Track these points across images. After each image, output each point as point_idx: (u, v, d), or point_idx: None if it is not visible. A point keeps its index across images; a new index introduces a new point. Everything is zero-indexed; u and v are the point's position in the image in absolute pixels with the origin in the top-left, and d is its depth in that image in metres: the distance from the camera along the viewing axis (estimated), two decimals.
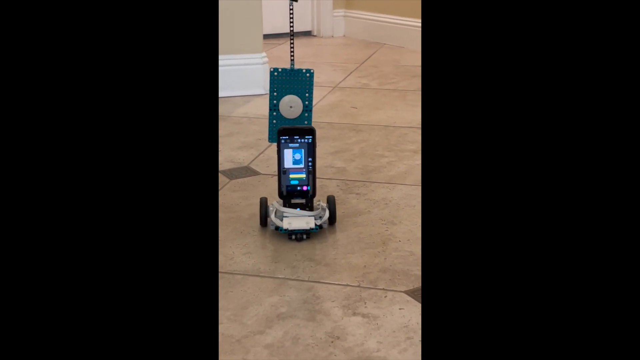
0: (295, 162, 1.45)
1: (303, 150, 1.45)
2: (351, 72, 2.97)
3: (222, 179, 1.75)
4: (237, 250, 1.38)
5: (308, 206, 1.46)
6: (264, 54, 2.60)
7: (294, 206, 1.45)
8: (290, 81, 1.47)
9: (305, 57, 3.26)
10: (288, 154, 1.45)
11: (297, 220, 1.43)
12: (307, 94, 1.47)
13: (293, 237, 1.43)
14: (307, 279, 1.28)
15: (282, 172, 1.45)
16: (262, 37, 2.59)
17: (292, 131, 1.44)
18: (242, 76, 2.53)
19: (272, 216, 1.45)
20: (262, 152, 1.94)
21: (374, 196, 1.64)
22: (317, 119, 2.26)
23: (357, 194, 1.66)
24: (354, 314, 1.16)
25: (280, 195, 1.46)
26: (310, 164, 1.45)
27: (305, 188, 1.45)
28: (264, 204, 1.48)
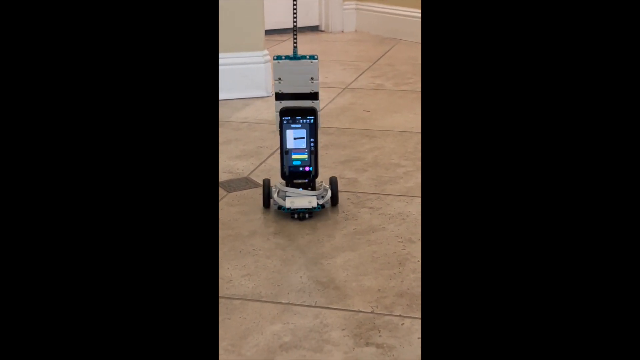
0: (297, 142, 1.60)
1: (305, 130, 1.60)
2: (363, 72, 2.97)
3: (219, 191, 1.74)
4: (236, 272, 1.38)
5: (310, 186, 1.61)
6: (265, 51, 2.60)
7: (297, 186, 1.62)
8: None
9: (312, 53, 3.26)
10: (290, 134, 1.60)
11: (300, 199, 1.59)
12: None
13: (295, 216, 1.59)
14: (314, 304, 1.27)
15: (284, 152, 1.61)
16: (263, 32, 2.60)
17: (294, 111, 1.59)
18: (241, 76, 2.53)
19: (275, 196, 1.61)
20: (263, 162, 1.94)
21: (389, 210, 1.64)
22: (326, 124, 2.26)
23: (370, 208, 1.65)
24: (367, 344, 1.16)
25: (283, 175, 1.62)
26: (312, 144, 1.61)
27: (307, 169, 1.62)
28: (267, 185, 1.64)
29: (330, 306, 1.26)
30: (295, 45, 1.62)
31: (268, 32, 3.67)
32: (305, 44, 3.52)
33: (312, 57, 1.61)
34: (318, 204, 1.60)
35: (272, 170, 1.87)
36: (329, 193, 1.63)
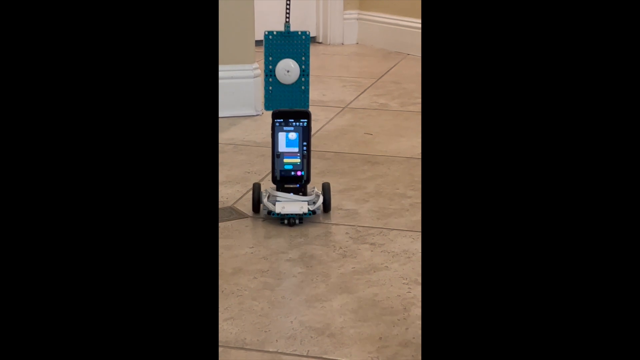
0: (290, 146, 1.73)
1: (298, 134, 1.73)
2: (366, 89, 2.98)
3: None
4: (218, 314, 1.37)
5: (302, 191, 1.74)
6: (255, 64, 2.61)
7: (288, 191, 1.74)
8: (285, 45, 1.71)
9: None
10: (282, 137, 1.73)
11: (291, 204, 1.71)
12: (303, 58, 1.71)
13: (285, 221, 1.72)
14: (305, 354, 1.26)
15: (275, 156, 1.73)
16: (254, 43, 2.60)
17: (286, 114, 1.72)
18: (228, 92, 2.54)
19: (265, 200, 1.73)
20: (250, 189, 1.94)
21: (393, 247, 1.64)
22: (323, 148, 2.26)
23: (371, 244, 1.65)
24: None
25: (274, 180, 1.74)
26: (305, 148, 1.73)
27: (299, 173, 1.74)
28: (257, 189, 1.76)
29: (324, 356, 1.26)
30: (287, 20, 1.73)
31: (259, 43, 3.68)
32: None
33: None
34: (309, 210, 1.71)
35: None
36: (321, 199, 1.75)
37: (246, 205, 1.84)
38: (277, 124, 1.72)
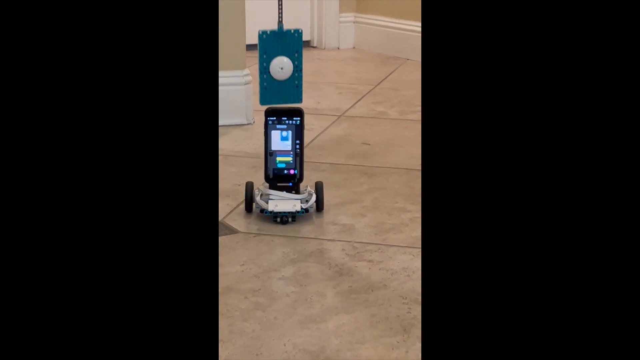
0: (283, 144, 1.82)
1: (291, 132, 1.82)
2: (363, 97, 2.97)
3: None
4: None
5: (295, 190, 1.83)
6: (246, 70, 2.59)
7: (280, 189, 1.82)
8: (278, 43, 1.81)
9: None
10: (275, 135, 1.82)
11: (283, 202, 1.80)
12: (296, 54, 1.81)
13: (278, 219, 1.79)
14: None
15: (268, 154, 1.82)
16: (244, 48, 2.59)
17: (279, 112, 1.81)
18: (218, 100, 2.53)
19: (258, 199, 1.81)
20: (241, 203, 1.92)
21: (391, 265, 1.62)
22: (317, 159, 2.24)
23: (369, 261, 1.63)
24: None
25: (267, 178, 1.83)
26: (297, 146, 1.82)
27: (292, 171, 1.83)
28: (249, 188, 1.84)
29: None
30: (280, 19, 1.83)
31: (250, 47, 3.67)
32: None
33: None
34: (302, 208, 1.80)
35: (253, 214, 1.85)
36: (314, 197, 1.83)
37: (237, 220, 1.82)
38: (270, 122, 1.81)
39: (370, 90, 3.07)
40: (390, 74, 3.36)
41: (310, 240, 1.72)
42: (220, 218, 1.84)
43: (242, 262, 1.63)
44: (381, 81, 3.23)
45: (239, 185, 2.04)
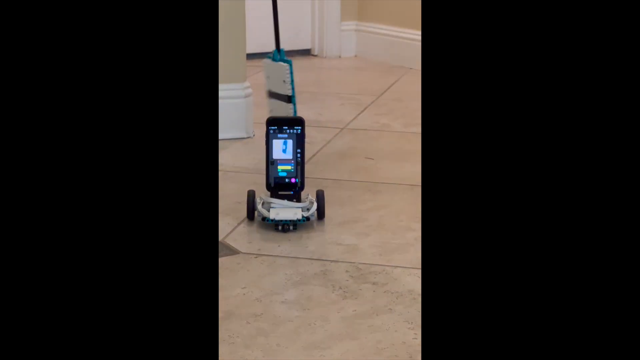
0: (284, 153, 1.89)
1: (292, 140, 1.89)
2: (366, 108, 2.97)
3: None
4: None
5: (296, 198, 1.89)
6: (246, 83, 2.59)
7: (282, 198, 1.89)
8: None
9: (302, 84, 3.25)
10: (277, 144, 1.89)
11: (285, 211, 1.86)
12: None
13: (280, 227, 1.85)
14: None
15: (270, 163, 1.89)
16: (245, 60, 2.59)
17: (280, 121, 1.89)
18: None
19: (259, 207, 1.87)
20: (242, 221, 1.92)
21: (397, 287, 1.62)
22: (319, 174, 2.24)
23: (373, 283, 1.63)
24: None
25: (268, 187, 1.90)
26: (299, 155, 1.89)
27: (293, 180, 1.90)
28: (251, 197, 1.90)
29: None
30: (277, 45, 1.98)
31: (249, 57, 3.66)
32: (295, 72, 3.51)
33: (285, 60, 1.95)
34: (303, 216, 1.86)
35: (254, 233, 1.85)
36: (315, 206, 1.89)
37: (238, 240, 1.82)
38: (271, 131, 1.88)
39: (374, 101, 3.07)
40: (394, 83, 3.36)
41: (313, 262, 1.72)
42: (220, 238, 1.83)
43: (244, 284, 1.62)
44: (384, 91, 3.22)
45: (240, 202, 2.03)
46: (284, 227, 1.85)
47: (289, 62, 1.94)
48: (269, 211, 1.86)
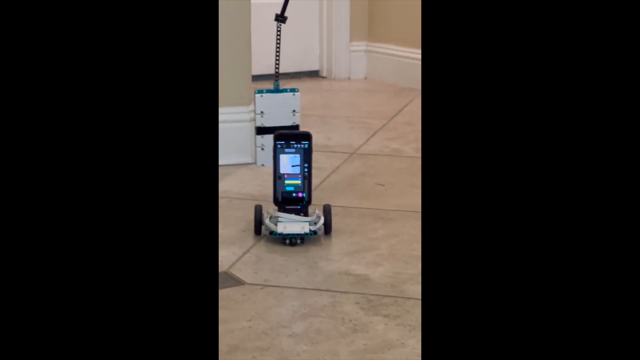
0: (291, 167, 1.97)
1: (299, 155, 1.97)
2: (376, 132, 2.97)
3: None
4: None
5: (303, 212, 1.97)
6: (252, 106, 2.58)
7: (289, 212, 1.96)
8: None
9: (310, 107, 3.26)
10: (284, 159, 1.97)
11: (292, 224, 1.93)
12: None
13: (287, 241, 1.93)
14: None
15: (277, 177, 1.97)
16: (250, 82, 2.59)
17: (288, 136, 1.97)
18: (222, 138, 2.51)
19: (267, 221, 1.95)
20: (248, 251, 1.91)
21: (409, 320, 1.60)
22: (328, 201, 2.23)
23: (385, 315, 1.62)
24: None
25: (275, 201, 1.98)
26: (306, 170, 1.98)
27: (300, 195, 1.98)
28: (258, 211, 1.98)
29: None
30: (277, 78, 2.07)
31: (255, 78, 3.67)
32: (302, 94, 3.51)
33: (292, 90, 2.06)
34: (310, 230, 1.93)
35: (261, 262, 1.85)
36: (322, 220, 1.96)
37: (243, 271, 1.81)
38: (279, 146, 1.97)
39: (384, 125, 3.06)
40: (405, 106, 3.36)
41: (321, 293, 1.71)
42: (225, 268, 1.82)
43: (249, 317, 1.61)
44: (395, 114, 3.22)
45: (245, 231, 2.03)
46: (292, 241, 1.92)
47: (297, 90, 2.08)
48: (276, 225, 1.93)
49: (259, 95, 2.04)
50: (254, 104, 2.01)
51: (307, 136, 1.98)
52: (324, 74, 3.95)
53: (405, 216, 2.15)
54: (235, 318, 1.61)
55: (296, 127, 2.04)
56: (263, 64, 3.65)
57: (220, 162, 2.52)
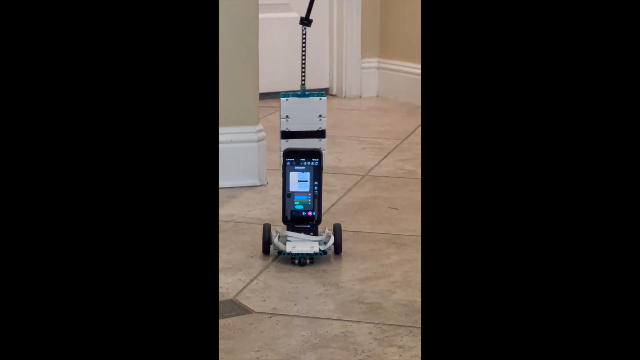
0: (301, 185, 2.00)
1: (309, 173, 2.00)
2: (389, 153, 2.97)
3: None
4: None
5: (313, 231, 2.00)
6: (259, 126, 2.60)
7: (299, 231, 1.99)
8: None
9: None
10: (293, 176, 2.00)
11: (301, 244, 1.97)
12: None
13: (296, 261, 1.96)
14: None
15: (287, 195, 2.00)
16: (257, 102, 2.60)
17: (298, 153, 2.00)
18: (227, 159, 2.53)
19: (275, 240, 1.98)
20: (255, 277, 1.92)
21: None
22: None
23: (399, 347, 1.63)
24: None
25: (285, 220, 2.01)
26: (316, 188, 2.00)
27: (310, 213, 2.01)
28: (267, 230, 2.01)
29: None
30: (303, 82, 2.09)
31: (262, 96, 3.68)
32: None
33: (320, 94, 2.08)
34: (320, 250, 1.96)
35: (268, 290, 1.85)
36: (332, 240, 2.00)
37: (250, 299, 1.82)
38: (288, 163, 2.00)
39: (397, 146, 3.07)
40: (419, 126, 3.37)
41: (332, 322, 1.72)
42: (231, 296, 1.83)
43: (257, 347, 1.62)
44: (409, 135, 3.23)
45: (252, 257, 2.04)
46: (301, 260, 1.96)
47: (324, 95, 2.10)
48: (285, 244, 1.97)
49: (285, 99, 2.06)
50: (280, 108, 2.05)
51: (317, 153, 2.01)
52: (334, 92, 3.97)
53: (419, 242, 2.15)
54: (242, 349, 1.61)
55: (322, 132, 2.06)
56: (269, 80, 3.67)
57: (226, 184, 2.54)
